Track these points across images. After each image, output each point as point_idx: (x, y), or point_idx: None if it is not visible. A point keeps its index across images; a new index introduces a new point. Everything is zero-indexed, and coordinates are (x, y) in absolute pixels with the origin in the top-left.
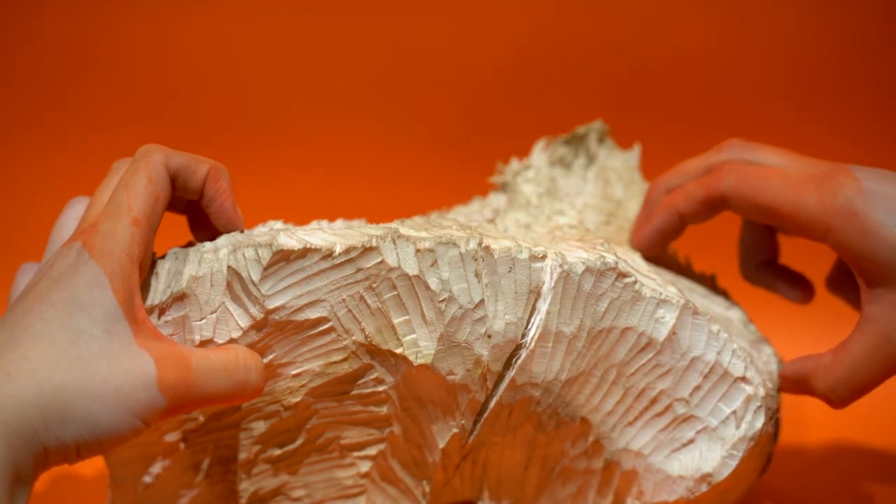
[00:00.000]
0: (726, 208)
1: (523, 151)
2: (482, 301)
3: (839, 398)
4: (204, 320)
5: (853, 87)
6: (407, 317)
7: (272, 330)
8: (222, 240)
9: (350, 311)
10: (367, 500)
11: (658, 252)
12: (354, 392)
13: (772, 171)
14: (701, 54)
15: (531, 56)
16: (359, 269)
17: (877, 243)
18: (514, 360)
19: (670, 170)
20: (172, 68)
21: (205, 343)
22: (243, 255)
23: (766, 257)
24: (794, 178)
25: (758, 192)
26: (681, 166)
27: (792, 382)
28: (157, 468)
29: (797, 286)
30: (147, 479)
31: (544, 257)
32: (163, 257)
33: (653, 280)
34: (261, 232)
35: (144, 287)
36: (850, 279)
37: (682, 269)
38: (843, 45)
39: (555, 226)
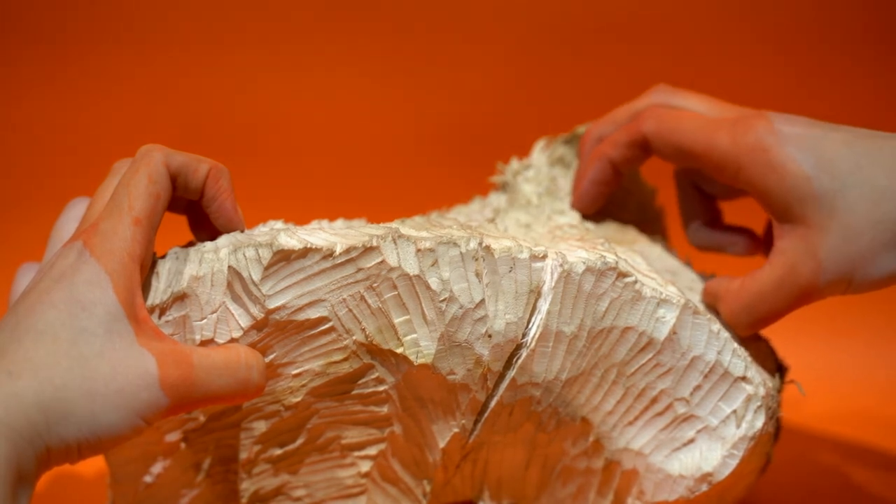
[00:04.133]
0: (651, 151)
1: (523, 151)
2: (483, 301)
3: (740, 324)
4: (205, 320)
5: (853, 87)
6: (407, 316)
7: (273, 330)
8: (223, 239)
9: (351, 310)
10: (367, 499)
11: (597, 207)
12: (355, 392)
13: (691, 114)
14: (701, 54)
15: (531, 56)
16: (359, 269)
17: (785, 177)
18: (514, 359)
19: (599, 119)
20: (173, 68)
21: (206, 343)
22: (244, 254)
23: (706, 219)
24: (710, 120)
25: (675, 133)
26: (609, 115)
27: (709, 300)
28: (157, 468)
29: (741, 237)
30: (148, 478)
31: (545, 257)
32: (163, 257)
33: (653, 280)
34: (261, 232)
35: (145, 287)
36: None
37: (682, 269)
38: (843, 45)
39: (555, 225)
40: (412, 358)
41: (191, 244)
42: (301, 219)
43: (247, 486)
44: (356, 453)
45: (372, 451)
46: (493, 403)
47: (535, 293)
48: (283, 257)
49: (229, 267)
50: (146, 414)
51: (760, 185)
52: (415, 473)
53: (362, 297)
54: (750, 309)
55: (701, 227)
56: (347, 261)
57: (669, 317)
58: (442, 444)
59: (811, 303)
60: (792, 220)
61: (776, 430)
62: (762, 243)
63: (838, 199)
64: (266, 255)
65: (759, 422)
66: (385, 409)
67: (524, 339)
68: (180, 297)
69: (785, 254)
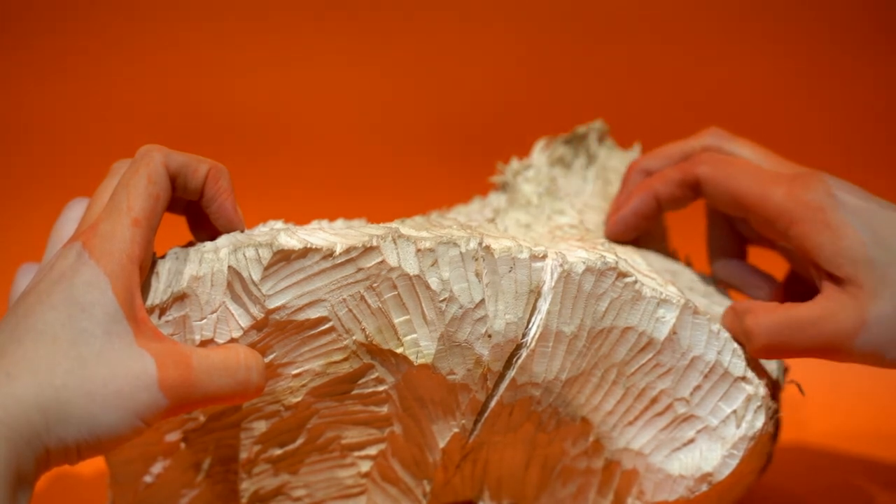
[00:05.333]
0: (700, 194)
1: (523, 151)
2: (483, 301)
3: (759, 340)
4: (204, 320)
5: (853, 87)
6: (407, 316)
7: (273, 330)
8: (223, 239)
9: (350, 310)
10: (367, 499)
11: (632, 236)
12: (355, 392)
13: (746, 163)
14: (701, 54)
15: (531, 56)
16: (359, 269)
17: (840, 237)
18: (514, 359)
19: (648, 153)
20: (174, 69)
21: (205, 343)
22: (244, 254)
23: (731, 254)
24: (766, 172)
25: (729, 180)
26: (659, 150)
27: (731, 311)
28: (157, 468)
29: (765, 284)
30: (148, 478)
31: (545, 257)
32: (163, 257)
33: (653, 280)
34: (261, 232)
35: (145, 287)
36: (791, 299)
37: (682, 269)
38: (842, 45)
39: (555, 225)
40: (412, 358)
41: (191, 244)
42: (301, 219)
43: (247, 486)
44: (356, 453)
45: (372, 451)
46: (493, 403)
47: (535, 293)
48: (283, 257)
49: (229, 267)
50: (145, 415)
51: (813, 241)
52: (415, 473)
53: (362, 297)
54: (777, 329)
55: (728, 262)
56: (347, 261)
57: (669, 317)
58: (442, 444)
59: (835, 359)
60: (841, 279)
61: (776, 430)
62: (783, 295)
63: (891, 271)
64: (266, 255)
65: (759, 422)
66: (385, 409)
67: (524, 339)
68: (180, 297)
69: (830, 300)
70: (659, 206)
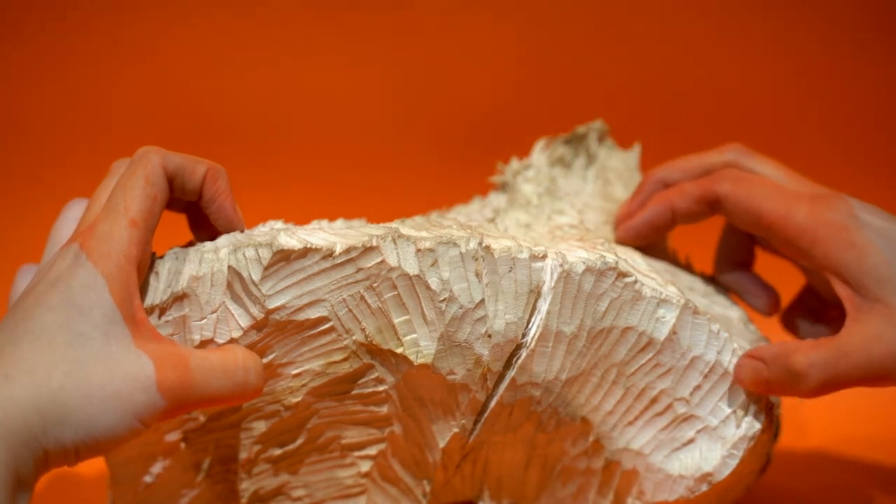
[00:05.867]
0: (719, 210)
1: (523, 151)
2: (482, 301)
3: (815, 376)
4: (204, 320)
5: (852, 88)
6: (407, 316)
7: (273, 330)
8: (223, 239)
9: (350, 310)
10: (367, 499)
11: (642, 244)
12: (355, 392)
13: (768, 181)
14: (701, 54)
15: (531, 56)
16: (359, 269)
17: (865, 256)
18: (514, 359)
19: (667, 163)
20: (173, 69)
21: (205, 343)
22: (244, 254)
23: (741, 261)
24: (787, 191)
25: (751, 198)
26: (678, 161)
27: (757, 363)
28: (157, 468)
29: (765, 295)
30: (148, 478)
31: (545, 257)
32: (163, 257)
33: (653, 280)
34: (261, 232)
35: (144, 287)
36: (805, 313)
37: (682, 269)
38: (843, 46)
39: (555, 225)
40: (412, 358)
41: (191, 244)
42: (301, 219)
43: (247, 486)
44: (356, 453)
45: (372, 451)
46: (492, 403)
47: (535, 293)
48: (283, 257)
49: (229, 267)
50: (143, 416)
51: (837, 261)
52: (415, 473)
53: (362, 297)
54: (833, 362)
55: (732, 267)
56: (347, 261)
57: (669, 317)
58: (442, 444)
59: (886, 384)
60: (868, 299)
61: (776, 430)
62: (779, 308)
63: None
64: (266, 255)
65: (759, 422)
66: (385, 409)
67: (524, 339)
68: (180, 297)
69: (867, 324)
70: (674, 219)
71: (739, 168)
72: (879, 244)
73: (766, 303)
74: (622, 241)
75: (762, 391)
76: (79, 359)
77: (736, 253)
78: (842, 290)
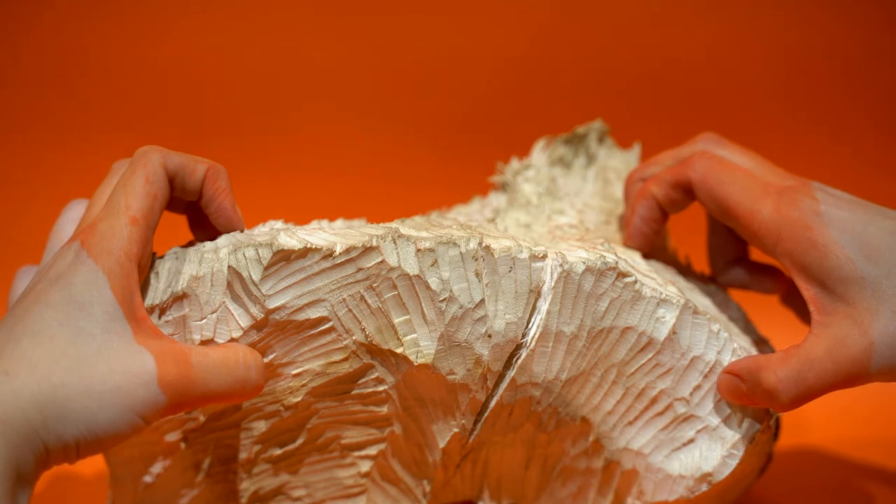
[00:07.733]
0: (694, 197)
1: (523, 151)
2: (482, 301)
3: (786, 391)
4: (204, 320)
5: (852, 89)
6: (407, 316)
7: (273, 330)
8: (223, 239)
9: (350, 310)
10: (367, 499)
11: (651, 243)
12: (355, 392)
13: (739, 168)
14: (701, 54)
15: (531, 56)
16: (359, 269)
17: (826, 256)
18: (514, 359)
19: (644, 161)
20: (172, 69)
21: (205, 343)
22: (244, 254)
23: (734, 256)
24: (756, 182)
25: (720, 185)
26: (654, 157)
27: (734, 379)
28: (157, 468)
29: (767, 277)
30: (147, 478)
31: (545, 257)
32: (163, 257)
33: (653, 280)
34: (261, 232)
35: (144, 286)
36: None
37: (682, 269)
38: (843, 46)
39: (555, 225)
40: (412, 358)
41: (191, 244)
42: (301, 219)
43: (247, 486)
44: (356, 453)
45: (372, 451)
46: (492, 403)
47: (535, 293)
48: (283, 257)
49: (229, 267)
50: (144, 412)
51: (800, 261)
52: (415, 473)
53: (362, 297)
54: (798, 377)
55: (729, 266)
56: (347, 261)
57: (669, 317)
58: (442, 444)
59: (858, 385)
60: (833, 297)
61: (776, 430)
62: (785, 282)
63: (885, 284)
64: (266, 255)
65: (759, 422)
66: (385, 409)
67: (524, 339)
68: (180, 297)
69: (830, 327)
70: (661, 209)
71: (714, 155)
72: (843, 241)
73: (772, 283)
74: (635, 248)
75: (746, 404)
76: (79, 355)
77: (726, 252)
78: (806, 291)
